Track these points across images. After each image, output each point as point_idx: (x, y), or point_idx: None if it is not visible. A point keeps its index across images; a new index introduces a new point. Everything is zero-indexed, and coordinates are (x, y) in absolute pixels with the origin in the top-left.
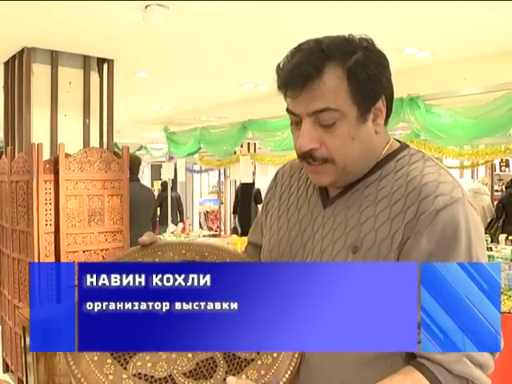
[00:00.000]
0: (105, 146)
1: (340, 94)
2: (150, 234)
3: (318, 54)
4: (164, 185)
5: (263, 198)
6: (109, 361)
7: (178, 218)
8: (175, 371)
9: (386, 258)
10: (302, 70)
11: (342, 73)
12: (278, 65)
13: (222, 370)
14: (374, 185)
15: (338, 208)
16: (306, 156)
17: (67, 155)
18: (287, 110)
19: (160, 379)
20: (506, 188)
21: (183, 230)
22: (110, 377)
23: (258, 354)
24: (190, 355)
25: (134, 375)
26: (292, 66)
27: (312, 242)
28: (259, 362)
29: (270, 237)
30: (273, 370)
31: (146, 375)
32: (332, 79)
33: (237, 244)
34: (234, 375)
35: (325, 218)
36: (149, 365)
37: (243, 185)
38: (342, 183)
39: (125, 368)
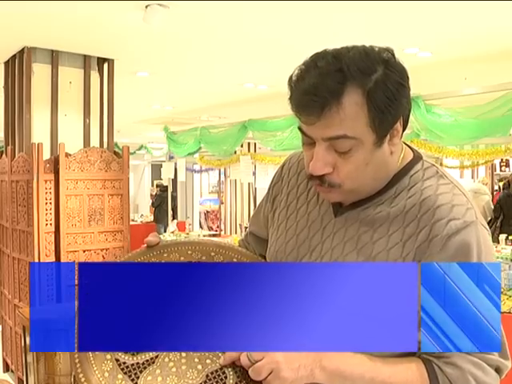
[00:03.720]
0: (105, 145)
1: (358, 121)
2: (155, 234)
3: (337, 75)
4: (164, 187)
5: (268, 189)
6: (120, 376)
7: (173, 217)
8: None
9: None
10: (318, 95)
11: (361, 97)
12: (291, 77)
13: (231, 381)
14: (387, 202)
15: (349, 220)
16: (314, 178)
17: (67, 155)
18: (299, 129)
19: None
20: (503, 189)
21: (182, 228)
22: None
23: None
24: (199, 367)
25: None
26: (307, 88)
27: (320, 250)
28: None
29: (278, 237)
30: None
31: None
32: (351, 105)
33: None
34: None
35: (335, 228)
36: (159, 379)
37: None
38: (351, 201)
39: (136, 383)
